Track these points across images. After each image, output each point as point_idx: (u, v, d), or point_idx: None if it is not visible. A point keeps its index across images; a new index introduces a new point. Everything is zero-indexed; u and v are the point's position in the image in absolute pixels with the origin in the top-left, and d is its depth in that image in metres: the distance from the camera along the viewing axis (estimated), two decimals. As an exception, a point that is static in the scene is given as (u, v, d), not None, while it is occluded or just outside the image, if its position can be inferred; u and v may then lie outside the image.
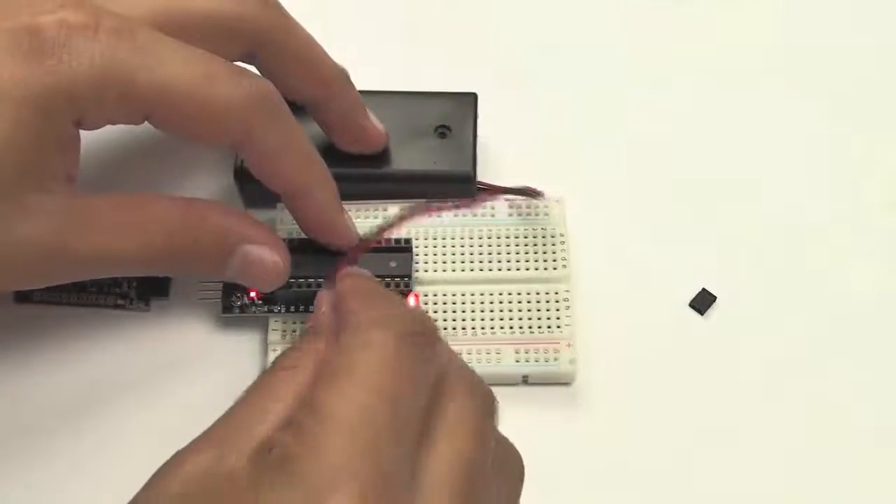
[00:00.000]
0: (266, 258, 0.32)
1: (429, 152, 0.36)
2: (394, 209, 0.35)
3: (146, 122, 0.31)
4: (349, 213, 0.34)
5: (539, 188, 0.36)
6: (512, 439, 0.33)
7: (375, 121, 0.36)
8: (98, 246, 0.30)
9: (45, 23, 0.28)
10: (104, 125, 0.31)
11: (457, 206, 0.36)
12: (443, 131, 0.37)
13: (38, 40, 0.28)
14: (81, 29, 0.29)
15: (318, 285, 0.33)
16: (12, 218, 0.29)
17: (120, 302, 0.35)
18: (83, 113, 0.29)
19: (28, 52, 0.28)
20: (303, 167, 0.32)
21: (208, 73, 0.30)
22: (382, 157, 0.36)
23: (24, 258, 0.29)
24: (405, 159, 0.36)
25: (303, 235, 0.34)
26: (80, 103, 0.29)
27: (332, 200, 0.33)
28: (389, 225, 0.35)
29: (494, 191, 0.36)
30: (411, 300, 0.34)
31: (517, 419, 0.34)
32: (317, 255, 0.34)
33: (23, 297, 0.35)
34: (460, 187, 0.36)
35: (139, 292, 0.35)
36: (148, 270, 0.32)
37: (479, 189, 0.36)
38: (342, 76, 0.35)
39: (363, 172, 0.36)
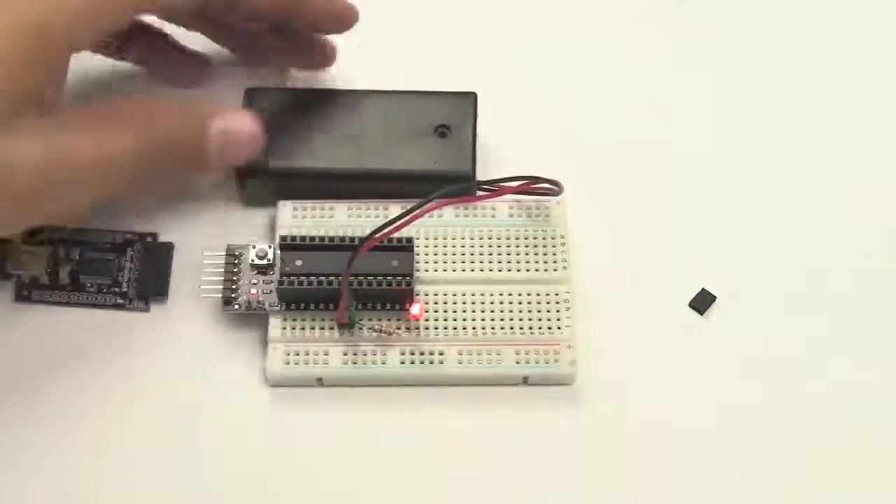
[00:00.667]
0: (244, 125, 0.34)
1: (429, 152, 0.36)
2: (394, 209, 0.35)
3: None
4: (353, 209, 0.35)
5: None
6: (512, 439, 0.34)
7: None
8: (89, 152, 0.30)
9: None
10: (100, 38, 0.32)
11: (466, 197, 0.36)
12: (443, 131, 0.37)
13: None
14: None
15: (319, 283, 0.33)
16: (8, 140, 0.29)
17: (119, 302, 0.35)
18: (79, 32, 0.30)
19: None
20: None
21: None
22: (382, 156, 0.36)
23: (21, 180, 0.29)
24: (405, 159, 0.36)
25: (303, 234, 0.34)
26: (75, 23, 0.30)
27: None
28: (400, 222, 0.34)
29: (505, 191, 0.35)
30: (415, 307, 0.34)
31: (517, 419, 0.34)
32: (318, 255, 0.34)
33: (23, 297, 0.35)
34: (460, 187, 0.36)
35: (138, 292, 0.35)
36: (139, 168, 0.32)
37: (490, 188, 0.36)
38: None
39: (363, 172, 0.36)
